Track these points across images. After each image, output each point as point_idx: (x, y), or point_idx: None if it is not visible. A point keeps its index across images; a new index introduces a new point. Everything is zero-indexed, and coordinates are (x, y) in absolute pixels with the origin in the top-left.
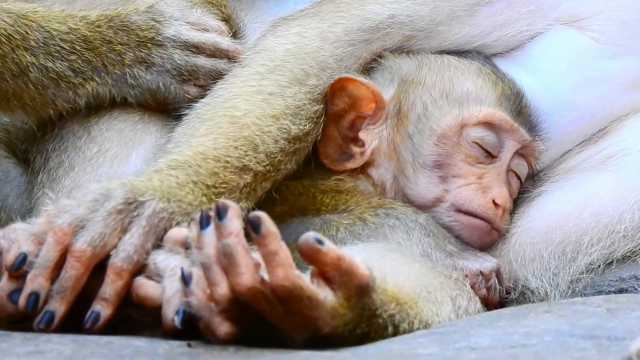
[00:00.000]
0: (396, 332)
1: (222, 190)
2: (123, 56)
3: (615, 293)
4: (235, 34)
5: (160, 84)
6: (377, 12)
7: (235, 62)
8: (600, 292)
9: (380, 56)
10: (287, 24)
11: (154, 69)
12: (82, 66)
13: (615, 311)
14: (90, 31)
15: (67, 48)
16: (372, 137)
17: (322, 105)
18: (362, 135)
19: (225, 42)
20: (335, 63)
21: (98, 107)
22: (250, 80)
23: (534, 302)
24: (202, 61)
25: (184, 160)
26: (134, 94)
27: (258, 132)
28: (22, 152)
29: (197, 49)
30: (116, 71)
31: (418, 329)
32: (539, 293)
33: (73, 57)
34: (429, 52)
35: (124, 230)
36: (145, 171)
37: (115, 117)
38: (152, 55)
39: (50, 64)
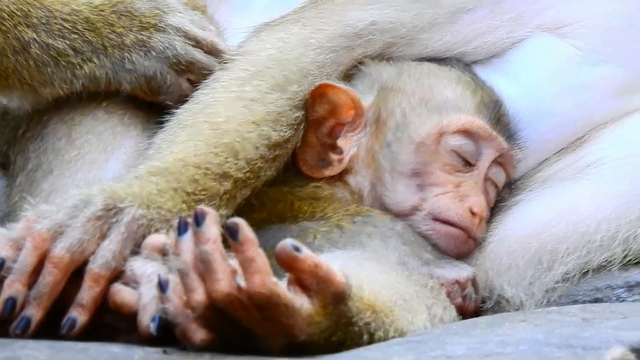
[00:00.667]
0: (372, 340)
1: (202, 197)
2: (124, 38)
3: (590, 302)
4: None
5: (158, 72)
6: (359, 19)
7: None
8: (575, 302)
9: (361, 63)
10: (270, 30)
11: (153, 54)
12: (82, 46)
13: (590, 320)
14: (93, 14)
15: (69, 27)
16: (350, 144)
17: (302, 112)
18: (340, 142)
19: (222, 43)
20: (316, 69)
21: (85, 102)
22: (232, 85)
23: (509, 311)
24: (200, 55)
25: (164, 166)
26: (130, 78)
27: (238, 138)
28: (1, 156)
29: (196, 42)
30: (115, 54)
31: (393, 337)
32: (515, 302)
33: (74, 36)
34: (409, 59)
35: (103, 237)
36: (126, 177)
37: (97, 118)
38: (153, 39)
39: (51, 41)
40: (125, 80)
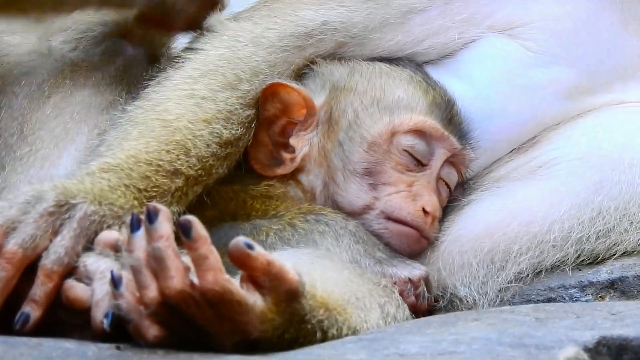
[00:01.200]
0: (325, 338)
1: (153, 194)
2: None
3: (543, 302)
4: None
5: None
6: (310, 18)
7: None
8: (528, 301)
9: (312, 62)
10: (221, 28)
11: None
12: None
13: (543, 320)
14: None
15: None
16: (302, 143)
17: (254, 110)
18: (292, 141)
19: None
20: (268, 68)
21: (35, 98)
22: (183, 83)
23: (462, 310)
24: None
25: (116, 163)
26: None
27: (190, 136)
28: None
29: None
30: None
31: (346, 335)
32: (468, 301)
33: None
34: (361, 59)
35: (55, 233)
36: (77, 173)
37: (48, 114)
38: None
39: None
40: None
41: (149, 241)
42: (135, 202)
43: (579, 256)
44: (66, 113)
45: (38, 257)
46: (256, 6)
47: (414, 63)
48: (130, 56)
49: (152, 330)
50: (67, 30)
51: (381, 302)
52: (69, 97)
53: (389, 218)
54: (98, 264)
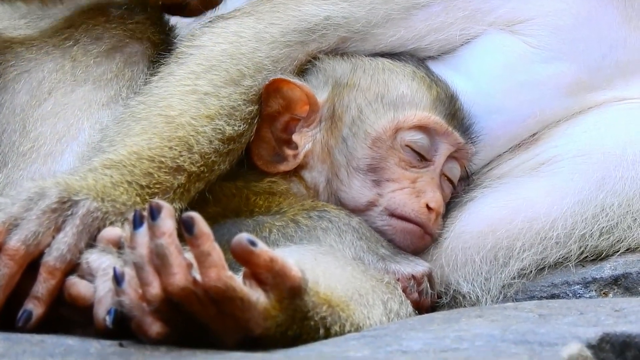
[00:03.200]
0: (328, 335)
1: (156, 190)
2: None
3: (547, 298)
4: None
5: None
6: (313, 14)
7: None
8: (532, 298)
9: (315, 58)
10: (224, 23)
11: None
12: None
13: (547, 316)
14: None
15: None
16: (305, 139)
17: (256, 106)
18: (295, 137)
19: None
20: (271, 64)
21: (35, 94)
22: (186, 79)
23: (465, 306)
24: None
25: (118, 159)
26: None
27: (193, 132)
28: None
29: None
30: None
31: (349, 331)
32: (471, 298)
33: None
34: (363, 55)
35: (58, 229)
36: (80, 169)
37: (49, 110)
38: None
39: None
40: None
41: (152, 238)
42: (138, 199)
43: (582, 253)
44: (68, 109)
45: (40, 254)
46: (258, 1)
47: (415, 58)
48: (131, 51)
49: (154, 327)
50: (68, 27)
51: (384, 298)
52: (70, 93)
53: (393, 215)
54: (101, 261)
